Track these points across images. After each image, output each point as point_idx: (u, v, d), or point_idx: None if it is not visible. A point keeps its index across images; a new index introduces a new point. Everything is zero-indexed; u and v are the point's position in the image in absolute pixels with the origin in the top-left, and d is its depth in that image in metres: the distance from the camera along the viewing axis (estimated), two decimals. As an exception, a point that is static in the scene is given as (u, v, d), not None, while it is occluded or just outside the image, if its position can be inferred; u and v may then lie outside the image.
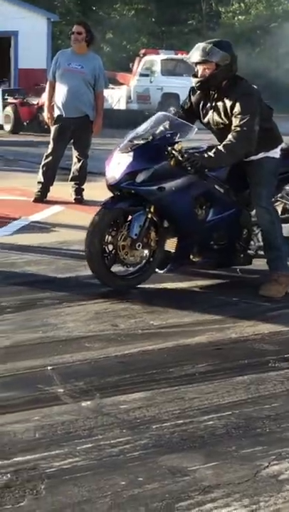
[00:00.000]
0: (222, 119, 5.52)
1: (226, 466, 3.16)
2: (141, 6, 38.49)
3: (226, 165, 5.57)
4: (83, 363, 4.21)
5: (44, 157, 9.04)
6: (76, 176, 9.10)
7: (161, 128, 5.50)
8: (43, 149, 9.65)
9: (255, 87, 5.61)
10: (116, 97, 24.75)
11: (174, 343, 4.59)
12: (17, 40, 25.18)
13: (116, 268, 5.49)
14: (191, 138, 5.54)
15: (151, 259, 5.52)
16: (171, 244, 5.53)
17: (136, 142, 5.48)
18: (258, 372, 4.17)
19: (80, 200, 9.05)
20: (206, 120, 5.68)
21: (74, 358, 4.25)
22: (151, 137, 5.45)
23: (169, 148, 5.33)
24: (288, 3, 35.97)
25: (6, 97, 20.31)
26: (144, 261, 5.51)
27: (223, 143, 5.43)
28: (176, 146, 5.33)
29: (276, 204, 5.88)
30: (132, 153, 5.39)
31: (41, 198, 8.97)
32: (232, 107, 5.42)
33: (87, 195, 9.01)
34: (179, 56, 25.17)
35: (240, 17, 36.62)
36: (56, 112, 8.86)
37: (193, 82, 5.58)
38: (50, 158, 8.94)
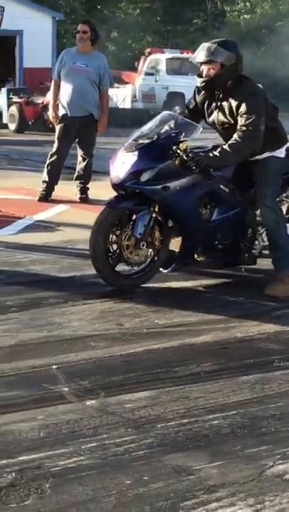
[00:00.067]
0: (227, 118, 5.52)
1: (231, 465, 3.16)
2: (146, 5, 38.47)
3: (231, 164, 5.57)
4: (88, 361, 4.21)
5: (49, 156, 9.04)
6: (81, 175, 9.10)
7: (166, 127, 5.49)
8: (48, 148, 9.66)
9: (260, 86, 5.60)
10: (121, 96, 24.75)
11: (179, 342, 4.59)
12: (22, 39, 25.16)
13: (120, 267, 5.49)
14: (196, 137, 5.54)
15: (155, 258, 5.52)
16: (175, 244, 5.53)
17: (141, 141, 5.48)
18: (263, 371, 4.17)
19: (85, 199, 9.05)
20: (210, 120, 5.67)
21: (79, 357, 4.25)
22: (156, 136, 5.45)
23: (174, 147, 5.33)
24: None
25: (10, 96, 20.30)
26: (148, 260, 5.51)
27: (229, 142, 5.42)
28: (181, 146, 5.32)
29: (281, 203, 5.88)
30: (136, 153, 5.39)
31: (46, 197, 8.97)
32: (238, 107, 5.41)
33: (92, 194, 9.02)
34: (185, 55, 25.17)
35: (245, 16, 36.59)
36: (61, 111, 8.86)
37: (198, 82, 5.57)
38: (55, 157, 8.94)
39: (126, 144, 5.57)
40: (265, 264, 5.87)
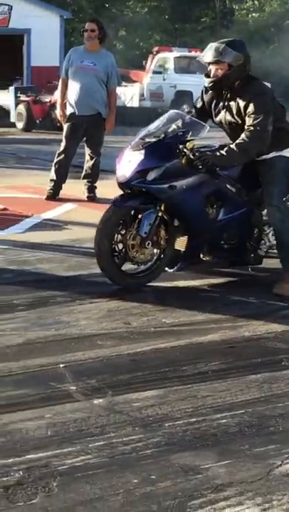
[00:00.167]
0: (234, 118, 5.51)
1: (239, 464, 3.16)
2: (154, 3, 38.45)
3: (237, 164, 5.55)
4: (95, 360, 4.21)
5: (56, 155, 9.04)
6: (89, 173, 9.10)
7: (173, 126, 5.48)
8: (56, 147, 9.66)
9: (268, 85, 5.59)
10: (129, 95, 24.74)
11: (187, 341, 4.59)
12: (30, 38, 25.16)
13: (126, 266, 5.49)
14: (203, 136, 5.53)
15: (161, 256, 5.51)
16: (181, 243, 5.51)
17: (147, 140, 5.47)
18: (271, 370, 4.17)
19: (92, 198, 9.05)
20: (217, 119, 5.66)
21: (86, 356, 4.25)
22: (162, 135, 5.44)
23: (181, 146, 5.32)
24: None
25: (18, 94, 20.31)
26: (154, 258, 5.50)
27: (236, 142, 5.41)
28: (187, 145, 5.32)
29: (288, 203, 5.86)
30: (143, 151, 5.38)
31: (54, 195, 8.98)
32: (245, 107, 5.40)
33: (99, 193, 9.01)
34: (193, 54, 25.13)
35: (254, 14, 36.53)
36: (69, 110, 8.86)
37: (206, 82, 5.56)
38: (62, 156, 8.94)
39: (133, 142, 5.56)
40: (271, 263, 5.87)
